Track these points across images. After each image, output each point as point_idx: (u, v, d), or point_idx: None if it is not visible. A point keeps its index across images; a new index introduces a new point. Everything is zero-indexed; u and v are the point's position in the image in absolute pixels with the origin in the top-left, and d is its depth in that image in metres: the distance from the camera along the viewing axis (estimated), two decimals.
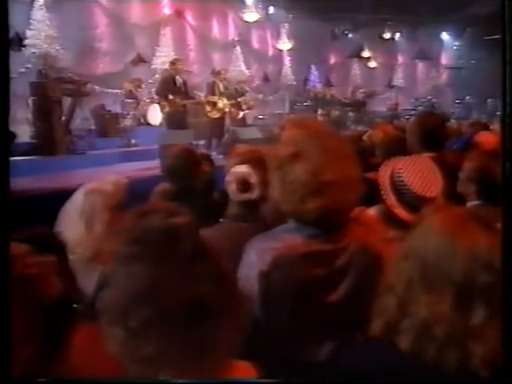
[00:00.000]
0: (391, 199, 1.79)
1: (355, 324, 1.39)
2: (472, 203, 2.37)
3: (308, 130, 1.40)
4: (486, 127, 5.02)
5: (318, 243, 1.36)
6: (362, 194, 1.41)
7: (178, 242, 0.90)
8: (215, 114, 8.65)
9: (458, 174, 2.49)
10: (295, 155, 1.33)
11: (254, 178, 1.91)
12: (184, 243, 0.90)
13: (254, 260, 1.36)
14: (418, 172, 1.77)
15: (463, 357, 0.87)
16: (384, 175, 1.83)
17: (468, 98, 15.88)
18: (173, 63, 8.34)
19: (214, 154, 6.54)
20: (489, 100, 14.52)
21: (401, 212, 1.76)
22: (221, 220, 2.00)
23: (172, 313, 0.86)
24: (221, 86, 8.88)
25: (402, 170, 1.79)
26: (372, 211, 1.89)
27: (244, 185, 1.92)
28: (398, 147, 2.93)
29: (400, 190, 1.78)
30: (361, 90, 14.48)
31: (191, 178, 2.78)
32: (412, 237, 0.99)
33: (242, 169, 1.94)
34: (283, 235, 1.39)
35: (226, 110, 8.87)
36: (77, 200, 1.83)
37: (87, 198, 1.82)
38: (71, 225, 1.78)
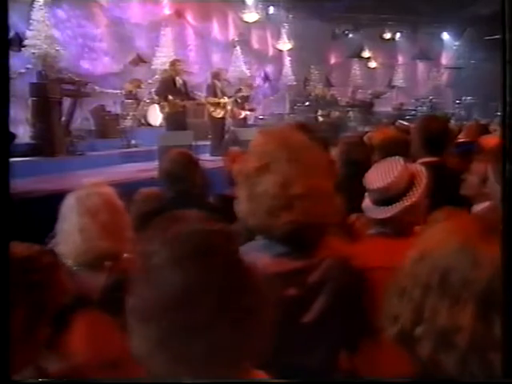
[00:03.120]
0: (365, 201, 1.83)
1: (332, 342, 1.35)
2: (481, 205, 2.32)
3: (278, 141, 1.33)
4: (485, 129, 5.01)
5: (288, 261, 1.29)
6: (337, 207, 1.36)
7: (214, 249, 0.91)
8: (219, 114, 8.64)
9: (464, 177, 2.44)
10: (263, 167, 1.28)
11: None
12: (219, 250, 0.91)
13: None
14: (376, 170, 1.79)
15: (485, 367, 0.84)
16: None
17: (469, 98, 15.85)
18: (172, 64, 8.33)
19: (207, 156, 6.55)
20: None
21: (371, 212, 1.78)
22: None
23: (203, 318, 0.87)
24: (221, 86, 8.87)
25: (368, 172, 1.81)
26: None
27: None
28: (397, 149, 2.91)
29: (368, 192, 1.82)
30: (368, 92, 14.49)
31: (188, 182, 2.76)
32: (427, 240, 0.95)
33: None
34: (250, 254, 1.32)
35: (227, 109, 8.87)
36: (71, 203, 1.80)
37: (83, 200, 1.79)
38: (69, 228, 1.75)
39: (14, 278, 1.00)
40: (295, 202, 1.26)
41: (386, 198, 1.72)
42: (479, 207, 2.33)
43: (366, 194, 1.83)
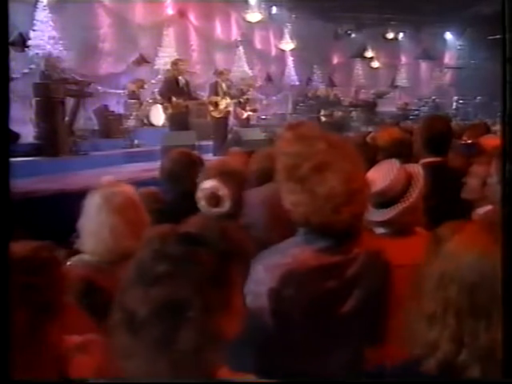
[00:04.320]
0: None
1: (366, 334, 1.42)
2: (483, 209, 2.30)
3: (323, 139, 1.37)
4: (487, 129, 4.99)
5: (328, 255, 1.35)
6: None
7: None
8: (218, 114, 8.64)
9: (466, 181, 2.42)
10: (319, 167, 1.31)
11: (222, 191, 1.91)
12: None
13: (263, 277, 1.34)
14: (373, 173, 1.79)
15: None
16: None
17: (473, 98, 15.80)
18: (175, 64, 8.33)
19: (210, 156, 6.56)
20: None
21: (370, 215, 1.77)
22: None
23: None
24: (223, 86, 8.87)
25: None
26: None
27: (213, 199, 1.92)
28: (401, 150, 2.90)
29: None
30: (371, 91, 14.47)
31: (189, 181, 2.76)
32: (445, 260, 0.92)
33: (210, 183, 1.94)
34: (291, 249, 1.37)
35: (230, 109, 8.86)
36: (97, 202, 1.80)
37: (109, 198, 1.80)
38: (97, 226, 1.76)
39: (13, 277, 1.01)
40: (356, 195, 1.32)
41: (383, 200, 1.74)
42: (481, 211, 2.31)
43: None
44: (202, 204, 1.96)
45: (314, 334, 1.34)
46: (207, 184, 1.96)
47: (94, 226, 1.76)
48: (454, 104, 16.07)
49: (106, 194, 1.80)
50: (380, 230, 1.81)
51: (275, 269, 1.33)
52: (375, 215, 1.77)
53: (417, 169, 1.84)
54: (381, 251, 1.44)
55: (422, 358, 0.92)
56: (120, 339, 0.90)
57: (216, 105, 8.62)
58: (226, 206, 1.92)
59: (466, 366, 0.86)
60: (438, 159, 2.74)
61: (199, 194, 1.97)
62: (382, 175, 1.75)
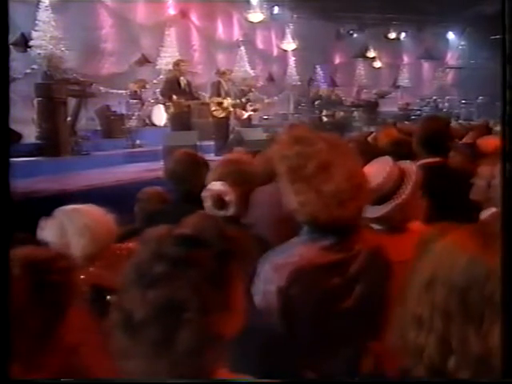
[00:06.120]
0: None
1: (370, 329, 1.41)
2: (488, 211, 2.26)
3: (321, 139, 1.40)
4: (489, 130, 4.97)
5: (333, 253, 1.38)
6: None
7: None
8: (220, 114, 8.64)
9: (474, 182, 2.38)
10: (323, 165, 1.34)
11: (229, 196, 1.91)
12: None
13: (271, 275, 1.37)
14: (367, 171, 1.77)
15: None
16: None
17: (476, 98, 15.76)
18: (176, 64, 8.34)
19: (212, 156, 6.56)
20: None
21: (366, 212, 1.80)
22: None
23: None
24: (225, 86, 8.88)
25: None
26: None
27: (219, 202, 1.92)
28: (402, 150, 2.90)
29: None
30: (373, 91, 14.46)
31: (194, 182, 2.76)
32: (434, 263, 0.90)
33: (218, 186, 1.94)
34: (298, 248, 1.40)
35: (231, 109, 8.87)
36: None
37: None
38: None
39: (34, 278, 1.11)
40: (359, 190, 1.37)
41: (377, 197, 1.75)
42: (486, 213, 2.29)
43: None
44: (208, 204, 1.95)
45: (320, 331, 1.36)
46: (215, 186, 1.95)
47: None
48: (457, 104, 16.04)
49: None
50: (375, 227, 1.82)
51: (283, 268, 1.35)
52: (369, 212, 1.78)
53: (410, 166, 1.86)
54: (381, 247, 1.47)
55: (411, 364, 0.90)
56: (118, 340, 0.90)
57: (218, 105, 8.62)
58: (232, 210, 1.92)
59: (455, 372, 0.84)
60: (437, 160, 2.74)
61: (206, 194, 1.96)
62: (375, 172, 1.78)
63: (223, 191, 1.92)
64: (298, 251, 1.39)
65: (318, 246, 1.38)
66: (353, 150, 1.51)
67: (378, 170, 1.79)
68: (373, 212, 1.77)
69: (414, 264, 0.94)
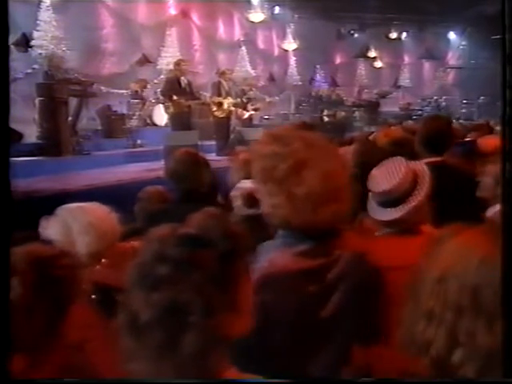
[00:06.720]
0: (370, 202, 1.82)
1: (349, 337, 1.36)
2: (494, 209, 2.27)
3: (298, 139, 1.33)
4: (490, 129, 4.97)
5: (308, 259, 1.31)
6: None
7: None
8: (221, 114, 8.65)
9: (481, 180, 2.40)
10: (295, 167, 1.27)
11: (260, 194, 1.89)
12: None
13: None
14: (380, 171, 1.77)
15: None
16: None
17: (477, 98, 15.75)
18: (177, 64, 8.34)
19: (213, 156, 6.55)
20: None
21: (377, 214, 1.77)
22: None
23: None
24: (226, 85, 8.88)
25: (370, 175, 1.79)
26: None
27: (250, 200, 1.89)
28: (402, 150, 2.90)
29: (372, 194, 1.80)
30: (374, 91, 14.45)
31: (195, 181, 2.77)
32: (447, 259, 0.91)
33: (249, 184, 1.92)
34: (271, 253, 1.34)
35: (232, 109, 8.86)
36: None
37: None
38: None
39: (38, 274, 1.13)
40: (337, 194, 1.28)
41: (391, 199, 1.71)
42: (492, 210, 2.30)
43: (370, 195, 1.82)
44: (238, 203, 1.92)
45: (296, 339, 1.30)
46: (246, 184, 1.92)
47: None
48: (458, 104, 16.03)
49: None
50: (385, 230, 1.78)
51: (254, 272, 1.26)
52: (382, 214, 1.74)
53: (422, 166, 1.82)
54: (365, 252, 1.38)
55: (416, 356, 0.91)
56: (124, 341, 0.90)
57: (218, 105, 8.62)
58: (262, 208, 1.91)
59: (460, 366, 0.85)
60: (438, 159, 2.74)
61: (235, 193, 1.93)
62: (389, 174, 1.72)
63: (255, 189, 1.91)
64: (270, 256, 1.32)
65: (292, 252, 1.31)
66: (335, 150, 1.42)
67: (391, 171, 1.73)
68: (386, 215, 1.73)
69: (427, 261, 0.95)
